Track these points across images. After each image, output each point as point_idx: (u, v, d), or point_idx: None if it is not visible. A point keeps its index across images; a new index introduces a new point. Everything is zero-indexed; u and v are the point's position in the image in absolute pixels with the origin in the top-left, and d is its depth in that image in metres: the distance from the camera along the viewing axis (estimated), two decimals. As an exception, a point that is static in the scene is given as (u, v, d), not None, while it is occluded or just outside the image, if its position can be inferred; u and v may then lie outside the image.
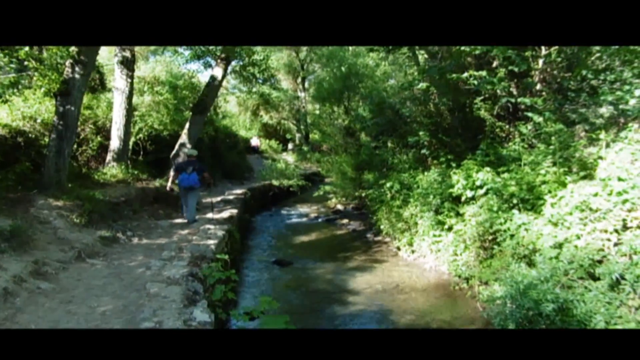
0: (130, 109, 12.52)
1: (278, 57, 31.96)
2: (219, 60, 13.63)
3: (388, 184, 11.99)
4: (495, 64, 10.93)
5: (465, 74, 10.68)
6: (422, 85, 11.98)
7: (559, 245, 6.20)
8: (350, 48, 27.75)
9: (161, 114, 14.68)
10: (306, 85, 34.93)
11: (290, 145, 35.48)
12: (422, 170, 12.16)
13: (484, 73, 10.50)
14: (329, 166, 21.70)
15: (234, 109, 35.24)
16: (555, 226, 6.55)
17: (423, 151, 12.43)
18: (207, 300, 5.39)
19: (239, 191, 16.95)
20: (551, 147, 8.06)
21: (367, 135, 22.67)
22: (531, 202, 7.83)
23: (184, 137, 13.25)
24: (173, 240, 8.62)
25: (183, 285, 5.72)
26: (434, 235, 9.94)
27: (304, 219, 16.74)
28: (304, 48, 32.48)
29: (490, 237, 8.26)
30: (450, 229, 9.62)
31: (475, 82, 10.67)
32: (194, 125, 13.33)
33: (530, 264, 6.71)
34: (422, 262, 10.50)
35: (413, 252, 10.94)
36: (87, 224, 8.20)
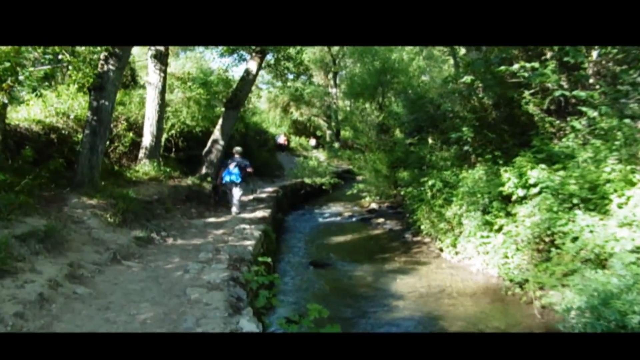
0: (162, 105, 12.24)
1: (309, 52, 31.56)
2: (253, 54, 13.26)
3: (430, 182, 11.47)
4: (548, 54, 10.28)
5: (516, 66, 10.12)
6: (467, 78, 11.40)
7: (638, 249, 5.63)
8: (383, 42, 27.24)
9: (193, 110, 14.38)
10: (337, 81, 34.38)
11: (313, 141, 34.92)
12: (465, 168, 11.63)
13: (536, 65, 9.92)
14: (362, 164, 21.25)
15: (264, 105, 34.97)
16: (630, 227, 5.98)
17: (466, 148, 11.87)
18: (251, 308, 5.00)
19: (270, 189, 16.63)
20: (616, 142, 7.44)
21: (401, 132, 22.17)
22: (594, 202, 7.25)
23: (217, 133, 12.94)
24: (208, 241, 8.28)
25: (225, 290, 5.34)
26: (482, 237, 9.39)
27: (338, 218, 16.30)
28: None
29: (547, 239, 7.69)
30: (499, 229, 9.06)
31: (526, 74, 10.11)
32: (227, 120, 13.00)
33: (600, 268, 6.16)
34: (468, 264, 9.96)
35: (457, 253, 10.41)
36: (121, 224, 7.91)
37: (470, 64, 11.85)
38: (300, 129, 36.79)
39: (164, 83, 12.21)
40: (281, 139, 28.75)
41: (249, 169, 11.52)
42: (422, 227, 12.03)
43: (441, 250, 11.02)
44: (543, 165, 8.50)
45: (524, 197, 8.87)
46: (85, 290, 5.16)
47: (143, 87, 14.80)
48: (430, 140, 13.06)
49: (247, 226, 9.49)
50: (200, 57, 28.33)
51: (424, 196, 12.06)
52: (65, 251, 6.07)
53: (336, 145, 31.23)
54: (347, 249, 12.15)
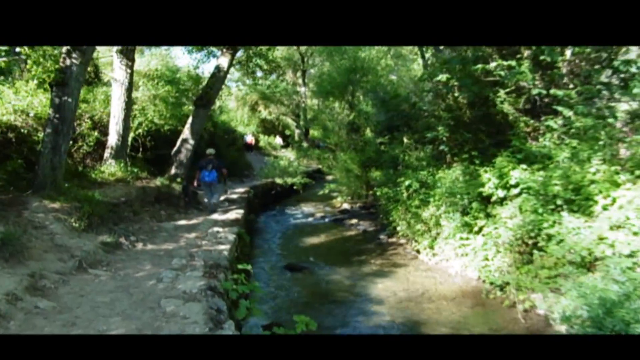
0: (129, 102, 11.70)
1: (279, 50, 31.02)
2: (224, 50, 12.79)
3: (406, 182, 11.26)
4: (525, 53, 10.19)
5: (493, 64, 10.00)
6: (442, 77, 11.24)
7: (634, 254, 5.49)
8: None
9: (160, 108, 13.84)
10: (306, 79, 34.02)
11: (279, 140, 34.50)
12: (441, 168, 11.51)
13: (513, 63, 9.83)
14: (333, 163, 21.00)
15: (232, 103, 34.36)
16: (621, 230, 5.84)
17: (442, 147, 11.75)
18: (232, 320, 4.65)
19: (241, 190, 16.22)
20: (600, 142, 7.35)
21: (372, 132, 22.01)
22: (577, 203, 7.13)
23: (186, 133, 12.44)
24: (181, 246, 7.86)
25: (203, 301, 4.97)
26: (461, 238, 9.22)
27: (310, 219, 15.99)
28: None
29: (530, 241, 7.55)
30: (479, 231, 8.92)
31: (502, 72, 10.01)
32: (197, 119, 12.51)
33: (587, 272, 6.02)
34: (446, 266, 9.80)
35: (435, 255, 10.23)
36: (87, 228, 7.41)
37: (446, 62, 11.70)
38: (269, 127, 36.34)
39: (131, 80, 11.67)
40: (249, 139, 28.26)
41: (224, 170, 11.93)
42: (398, 228, 11.83)
43: (418, 252, 10.84)
44: (524, 166, 8.39)
45: (504, 198, 8.76)
46: (48, 304, 4.72)
47: (107, 84, 14.16)
48: (405, 140, 12.85)
49: (220, 229, 9.10)
50: (166, 55, 27.63)
51: (400, 197, 11.87)
52: (26, 260, 5.59)
53: (305, 144, 30.91)
54: (322, 251, 11.85)
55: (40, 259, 5.80)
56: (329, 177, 26.16)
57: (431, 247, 10.37)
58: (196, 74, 13.99)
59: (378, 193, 14.21)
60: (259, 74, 25.30)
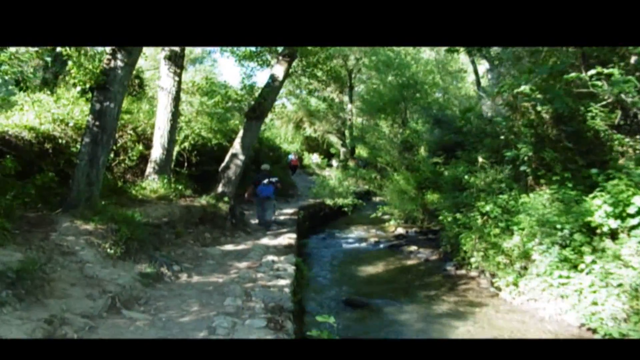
0: (176, 113, 10.70)
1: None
2: (279, 58, 11.67)
3: (486, 207, 9.83)
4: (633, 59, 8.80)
5: (592, 72, 8.59)
6: (526, 88, 9.84)
7: None
8: (408, 53, 25.94)
9: (207, 121, 12.83)
10: (353, 96, 32.78)
11: (334, 162, 33.21)
12: (522, 192, 10.08)
13: (615, 71, 8.42)
14: (384, 183, 19.65)
15: (276, 120, 33.46)
16: None
17: (523, 168, 10.29)
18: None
19: (289, 210, 15.07)
20: None
21: (426, 151, 20.66)
22: None
23: (236, 147, 11.31)
24: (232, 278, 6.64)
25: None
26: (561, 277, 7.71)
27: (363, 244, 14.60)
28: (352, 55, 30.37)
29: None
30: (585, 269, 7.40)
31: (599, 82, 8.64)
32: (248, 132, 11.38)
33: None
34: (534, 308, 8.29)
35: (520, 294, 8.71)
36: (123, 255, 6.28)
37: (531, 70, 10.29)
38: (313, 145, 35.22)
39: (179, 88, 10.68)
40: (293, 158, 26.83)
41: (279, 185, 11.92)
42: (472, 260, 10.36)
43: (498, 289, 9.34)
44: (651, 192, 6.90)
45: (615, 230, 7.29)
46: (67, 365, 3.52)
47: (151, 99, 13.25)
48: (480, 159, 11.42)
49: (274, 257, 7.88)
50: (210, 70, 26.99)
51: (473, 223, 10.44)
52: (46, 297, 4.45)
53: (351, 163, 29.59)
54: (382, 282, 10.46)
55: (63, 295, 4.66)
56: (377, 199, 24.88)
57: (515, 284, 8.87)
58: (247, 85, 12.84)
59: (442, 218, 12.85)
60: (306, 89, 24.22)
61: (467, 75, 32.54)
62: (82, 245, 5.86)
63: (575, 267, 7.71)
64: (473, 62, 26.70)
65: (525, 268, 8.96)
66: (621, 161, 9.30)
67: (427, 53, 29.57)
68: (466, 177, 12.21)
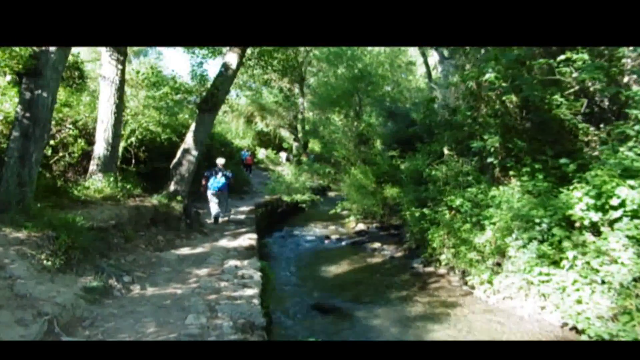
0: (120, 105, 9.71)
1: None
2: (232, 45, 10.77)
3: (457, 201, 9.39)
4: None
5: (561, 57, 8.31)
6: (490, 76, 9.47)
7: None
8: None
9: (157, 114, 11.84)
10: (304, 90, 32.02)
11: (283, 155, 32.34)
12: (491, 185, 9.75)
13: (585, 56, 8.19)
14: (341, 177, 19.09)
15: (226, 115, 32.34)
16: None
17: (489, 159, 9.93)
18: None
19: (245, 208, 14.28)
20: None
21: (382, 144, 20.31)
22: None
23: (189, 141, 10.39)
24: (192, 288, 5.84)
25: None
26: (541, 273, 7.32)
27: (325, 242, 13.97)
28: (303, 48, 29.60)
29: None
30: (571, 265, 7.03)
31: (568, 69, 8.44)
32: (201, 125, 10.45)
33: None
34: (510, 306, 7.94)
35: (497, 292, 8.32)
36: (64, 267, 5.37)
37: (496, 58, 9.93)
38: (265, 140, 34.29)
39: (122, 78, 9.69)
40: (247, 157, 25.60)
41: (232, 180, 11.84)
42: (443, 257, 9.93)
43: (471, 287, 8.93)
44: (632, 182, 6.55)
45: (595, 224, 6.95)
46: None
47: (95, 93, 12.09)
48: (446, 151, 10.99)
49: (237, 262, 7.13)
50: (155, 64, 25.52)
51: (441, 218, 10.02)
52: (-36, 327, 3.57)
53: (304, 158, 28.93)
54: (349, 283, 9.87)
55: (-13, 322, 3.79)
56: (333, 194, 24.30)
57: (490, 282, 8.47)
58: (198, 74, 11.79)
59: (405, 213, 12.42)
60: (259, 80, 23.43)
61: (416, 68, 32.49)
62: (13, 258, 4.93)
63: (554, 263, 7.35)
64: (424, 55, 26.59)
65: (499, 264, 8.60)
66: (586, 150, 9.11)
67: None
68: (427, 170, 11.81)
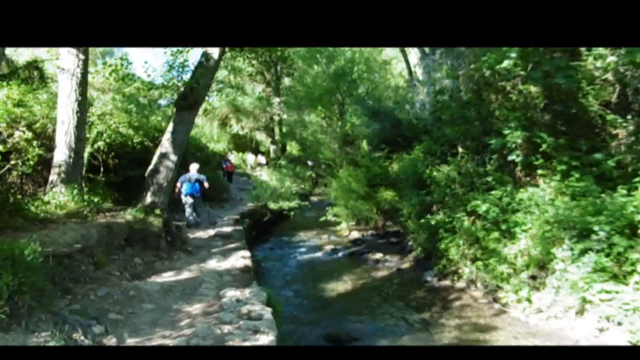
0: (84, 102, 8.18)
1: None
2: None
3: (483, 207, 8.16)
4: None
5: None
6: (509, 63, 8.37)
7: None
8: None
9: (127, 115, 10.30)
10: (281, 90, 30.45)
11: (260, 158, 30.70)
12: (513, 186, 8.62)
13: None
14: (327, 181, 17.79)
15: (198, 119, 30.58)
16: None
17: (512, 157, 8.77)
18: None
19: (229, 219, 12.83)
20: None
21: (369, 144, 19.14)
22: None
23: (166, 145, 8.82)
24: (185, 336, 4.38)
25: None
26: (602, 291, 6.11)
27: (319, 254, 12.63)
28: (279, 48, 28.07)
29: None
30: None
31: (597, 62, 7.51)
32: (180, 125, 8.90)
33: None
34: (557, 328, 6.78)
35: (539, 311, 7.11)
36: (8, 322, 3.85)
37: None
38: (240, 144, 32.64)
39: (85, 70, 8.16)
40: (227, 165, 23.74)
41: (205, 183, 11.64)
42: (466, 270, 8.71)
43: (504, 305, 7.70)
44: None
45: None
46: None
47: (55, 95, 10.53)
48: (460, 149, 9.75)
49: (236, 292, 5.71)
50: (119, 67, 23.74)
51: (459, 225, 8.80)
52: None
53: (283, 161, 27.43)
54: (360, 304, 8.56)
55: None
56: (315, 198, 23.02)
57: (529, 300, 7.26)
58: (175, 65, 10.28)
59: (406, 220, 11.26)
60: (237, 79, 21.98)
61: (391, 66, 31.36)
62: None
63: (614, 277, 6.18)
64: (403, 52, 25.56)
65: (534, 278, 7.40)
66: (615, 144, 8.10)
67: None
68: (427, 171, 10.62)
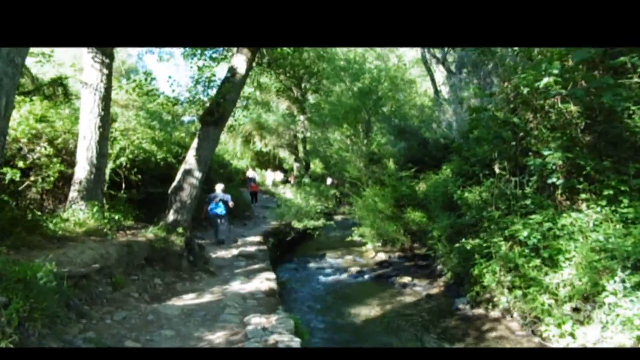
0: (106, 118, 7.97)
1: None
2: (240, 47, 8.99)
3: (524, 232, 7.67)
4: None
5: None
6: (549, 80, 7.90)
7: None
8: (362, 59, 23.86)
9: (151, 130, 10.09)
10: (305, 107, 30.20)
11: (278, 175, 30.28)
12: (552, 210, 8.10)
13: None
14: (353, 200, 17.39)
15: (222, 135, 30.53)
16: None
17: (552, 180, 8.26)
18: None
19: (253, 238, 12.50)
20: None
21: (395, 163, 18.69)
22: None
23: (190, 161, 8.55)
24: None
25: None
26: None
27: (344, 276, 12.16)
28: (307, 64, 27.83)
29: None
30: None
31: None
32: (205, 142, 8.64)
33: None
34: (606, 367, 6.12)
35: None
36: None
37: (561, 56, 8.34)
38: (263, 161, 32.49)
39: (109, 84, 7.97)
40: (252, 184, 23.23)
41: (230, 203, 11.85)
42: (502, 298, 8.19)
43: (544, 339, 7.16)
44: None
45: None
46: None
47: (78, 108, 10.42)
48: (497, 170, 9.27)
49: (261, 320, 5.33)
50: (144, 84, 23.76)
51: (495, 250, 8.31)
52: None
53: (306, 180, 27.09)
54: (390, 332, 8.09)
55: None
56: (339, 217, 22.61)
57: (572, 335, 6.72)
58: (201, 79, 10.06)
59: (436, 243, 10.83)
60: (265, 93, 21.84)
61: (417, 85, 31.10)
62: None
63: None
64: (429, 70, 25.23)
65: (577, 310, 6.87)
66: None
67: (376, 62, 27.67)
68: (459, 192, 10.15)
